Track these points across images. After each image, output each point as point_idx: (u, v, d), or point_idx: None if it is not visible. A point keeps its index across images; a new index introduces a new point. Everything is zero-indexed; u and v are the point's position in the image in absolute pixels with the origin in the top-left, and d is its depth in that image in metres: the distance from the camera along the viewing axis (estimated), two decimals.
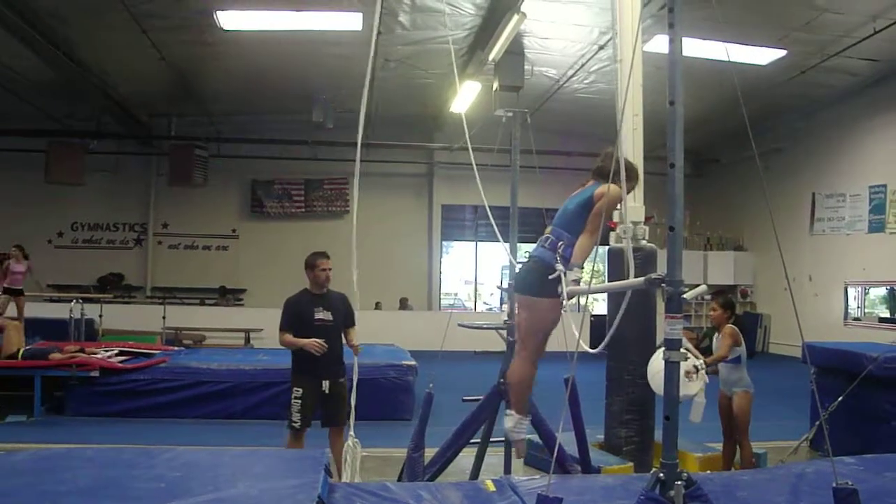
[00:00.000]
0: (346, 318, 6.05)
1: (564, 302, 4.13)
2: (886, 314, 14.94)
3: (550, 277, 4.19)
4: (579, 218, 4.31)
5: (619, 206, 4.93)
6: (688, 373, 5.41)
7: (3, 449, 6.27)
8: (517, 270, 4.90)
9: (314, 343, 5.72)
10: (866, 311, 15.38)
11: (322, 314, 5.90)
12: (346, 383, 5.83)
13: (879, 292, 15.33)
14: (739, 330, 6.41)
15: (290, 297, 6.05)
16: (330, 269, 6.02)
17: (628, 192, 4.51)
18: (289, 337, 5.89)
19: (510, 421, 4.65)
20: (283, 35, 12.25)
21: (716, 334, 6.56)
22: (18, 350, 9.10)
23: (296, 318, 5.91)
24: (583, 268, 4.23)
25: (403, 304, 18.66)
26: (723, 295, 7.03)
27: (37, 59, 12.39)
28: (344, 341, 6.05)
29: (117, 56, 13.42)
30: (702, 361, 5.72)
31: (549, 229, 4.50)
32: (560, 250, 4.26)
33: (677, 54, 2.77)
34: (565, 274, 4.14)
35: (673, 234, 2.75)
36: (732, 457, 6.47)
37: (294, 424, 5.76)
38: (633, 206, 6.60)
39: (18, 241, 13.06)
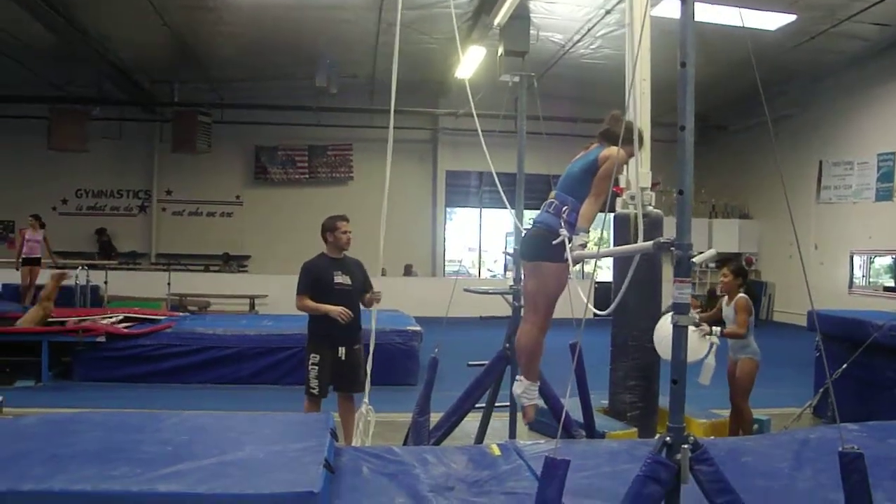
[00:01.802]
0: (363, 284, 5.99)
1: (570, 267, 4.11)
2: (891, 283, 14.91)
3: (554, 243, 4.16)
4: (583, 182, 4.27)
5: (623, 170, 4.88)
6: (700, 329, 5.43)
7: (12, 413, 6.35)
8: (522, 236, 4.88)
9: (342, 311, 5.64)
10: (871, 280, 15.35)
11: (341, 278, 5.83)
12: (361, 350, 5.81)
13: (885, 261, 15.28)
14: (750, 297, 6.36)
15: (308, 261, 5.95)
16: (350, 232, 5.95)
17: (634, 157, 4.49)
18: (309, 302, 5.77)
19: (519, 387, 4.65)
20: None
21: (724, 301, 6.49)
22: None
23: (315, 282, 5.83)
24: (588, 232, 4.21)
25: (408, 271, 18.68)
26: (734, 261, 6.96)
27: (37, 25, 12.27)
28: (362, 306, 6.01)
29: (119, 21, 13.28)
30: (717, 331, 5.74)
31: (553, 194, 4.46)
32: (564, 215, 4.22)
33: (689, 15, 2.72)
34: (570, 239, 4.11)
35: (682, 197, 2.72)
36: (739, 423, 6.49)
37: (312, 391, 5.74)
38: (640, 171, 6.55)
39: (22, 208, 13.15)
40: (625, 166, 5.83)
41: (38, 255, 12.80)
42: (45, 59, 14.98)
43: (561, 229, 4.17)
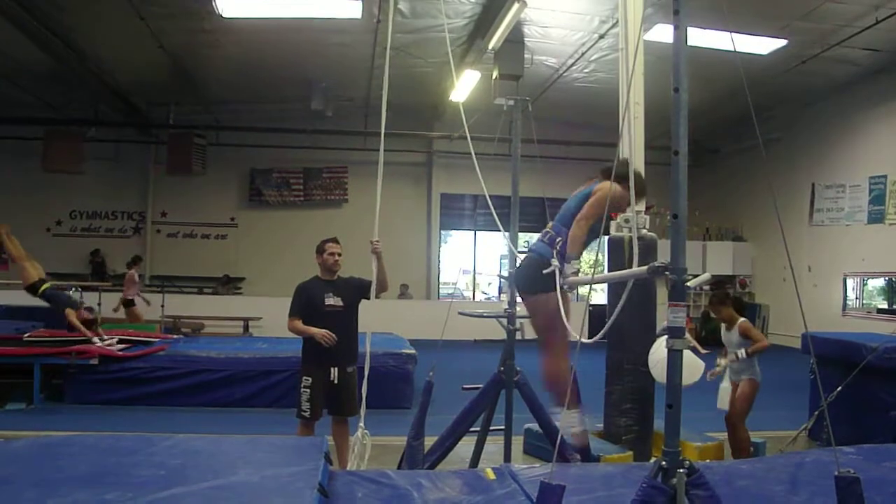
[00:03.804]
0: (358, 301, 5.93)
1: (566, 290, 4.11)
2: (885, 305, 14.96)
3: (545, 272, 4.18)
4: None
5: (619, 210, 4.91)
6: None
7: (2, 436, 6.28)
8: (517, 265, 4.89)
9: (325, 334, 5.65)
10: (864, 302, 15.40)
11: (332, 300, 5.84)
12: (355, 373, 5.79)
13: (878, 283, 15.34)
14: (739, 311, 6.47)
15: (301, 283, 5.98)
16: (339, 254, 5.96)
17: (635, 203, 4.48)
18: (298, 324, 5.79)
19: (562, 419, 4.59)
20: (283, 23, 12.20)
21: (723, 328, 6.54)
22: (40, 280, 9.17)
23: (306, 303, 5.83)
24: (579, 257, 4.22)
25: (403, 292, 18.66)
26: (715, 293, 7.02)
27: (34, 47, 12.34)
28: (357, 327, 5.99)
29: (115, 44, 13.35)
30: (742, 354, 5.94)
31: (550, 224, 4.49)
32: (558, 246, 4.25)
33: (682, 41, 2.75)
34: (561, 270, 4.13)
35: (676, 221, 2.73)
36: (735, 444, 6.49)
37: (304, 413, 5.72)
38: (634, 195, 6.59)
39: (17, 229, 13.06)
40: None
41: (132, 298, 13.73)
42: (42, 81, 15.03)
43: (553, 259, 4.18)
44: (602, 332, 3.57)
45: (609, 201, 3.97)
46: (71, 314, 9.10)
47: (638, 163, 6.71)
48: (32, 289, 9.15)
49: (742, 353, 6.11)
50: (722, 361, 6.35)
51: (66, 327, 9.28)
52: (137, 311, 13.65)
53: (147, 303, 13.95)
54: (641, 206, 6.60)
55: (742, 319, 6.34)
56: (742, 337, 6.27)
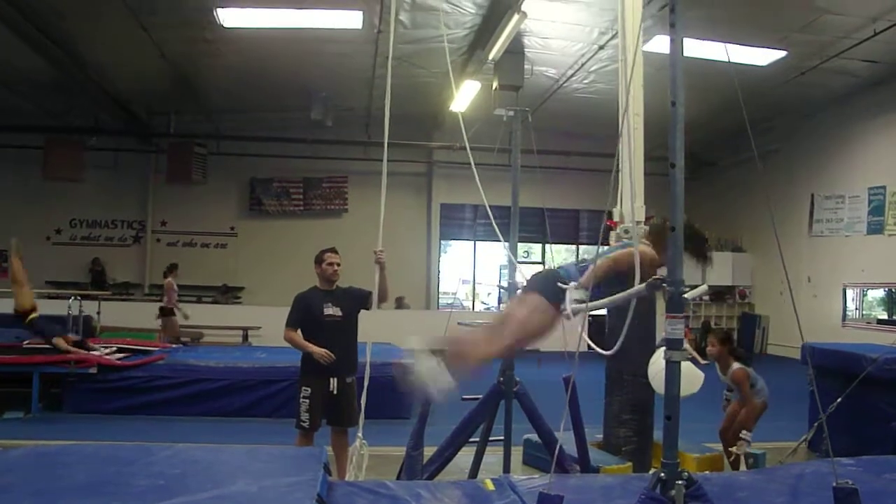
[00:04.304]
0: (362, 302, 5.93)
1: (567, 309, 3.97)
2: (884, 316, 14.95)
3: (560, 285, 4.05)
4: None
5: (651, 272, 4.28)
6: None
7: (0, 445, 6.27)
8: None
9: (324, 354, 5.65)
10: (864, 312, 15.39)
11: (331, 310, 5.84)
12: (354, 384, 5.79)
13: (877, 294, 15.34)
14: (739, 359, 6.47)
15: (300, 293, 5.99)
16: (337, 264, 5.96)
17: (697, 264, 4.05)
18: (297, 338, 5.79)
19: (434, 363, 3.82)
20: (284, 33, 12.23)
21: (718, 368, 6.57)
22: (33, 310, 9.11)
23: (305, 313, 5.84)
24: (588, 290, 4.10)
25: (399, 303, 18.63)
26: (720, 330, 7.06)
27: (35, 56, 12.36)
28: (356, 337, 5.99)
29: (116, 53, 13.38)
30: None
31: (584, 257, 4.41)
32: (583, 276, 4.12)
33: (678, 54, 2.77)
34: (572, 290, 4.03)
35: (674, 234, 2.75)
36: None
37: (303, 424, 5.72)
38: (634, 205, 6.60)
39: (16, 237, 13.10)
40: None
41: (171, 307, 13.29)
42: (42, 89, 15.05)
43: (573, 282, 4.05)
44: (614, 349, 3.53)
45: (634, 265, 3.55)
46: (59, 342, 9.00)
47: (637, 174, 6.72)
48: (23, 315, 9.10)
49: (747, 435, 6.12)
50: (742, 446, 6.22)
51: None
52: (175, 323, 13.37)
53: (185, 316, 13.52)
54: (639, 201, 6.52)
55: (737, 367, 6.35)
56: (733, 383, 6.34)
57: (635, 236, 4.23)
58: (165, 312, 13.31)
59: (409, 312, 18.07)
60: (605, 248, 4.39)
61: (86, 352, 9.16)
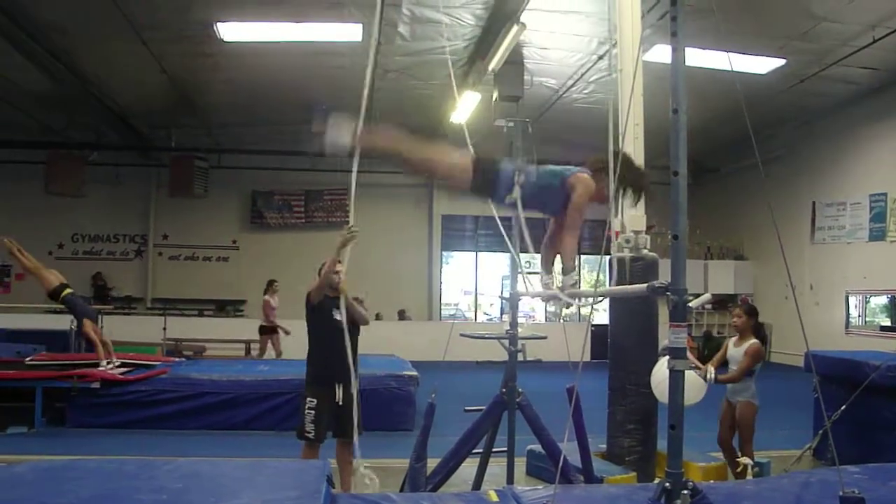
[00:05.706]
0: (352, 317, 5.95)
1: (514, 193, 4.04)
2: (887, 323, 14.92)
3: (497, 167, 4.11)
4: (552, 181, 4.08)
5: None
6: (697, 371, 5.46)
7: (4, 461, 6.25)
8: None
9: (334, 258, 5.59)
10: (867, 319, 15.36)
11: (339, 315, 5.85)
12: (358, 393, 5.78)
13: (880, 301, 15.31)
14: (760, 339, 6.36)
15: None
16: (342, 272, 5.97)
17: (636, 202, 4.31)
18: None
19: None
20: (284, 46, 12.28)
21: (731, 343, 6.49)
22: (61, 285, 9.24)
23: (318, 311, 5.88)
24: (575, 268, 4.14)
25: (402, 316, 18.63)
26: (751, 304, 6.98)
27: (37, 71, 12.43)
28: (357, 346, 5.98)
29: (117, 68, 13.44)
30: (711, 372, 5.77)
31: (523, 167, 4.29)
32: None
33: (680, 62, 2.78)
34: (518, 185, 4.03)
35: (676, 242, 2.74)
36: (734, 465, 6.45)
37: (308, 434, 5.69)
38: (635, 214, 6.60)
39: (6, 237, 13.05)
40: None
41: (274, 324, 12.98)
42: (44, 105, 15.11)
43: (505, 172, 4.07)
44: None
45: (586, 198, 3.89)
46: (88, 325, 9.08)
47: None
48: (55, 294, 9.16)
49: (711, 377, 5.79)
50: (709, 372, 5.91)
51: (83, 337, 9.24)
52: (278, 342, 13.09)
53: (286, 332, 12.72)
54: (641, 210, 6.51)
55: (753, 341, 6.27)
56: (745, 355, 6.24)
57: (634, 245, 4.24)
58: (266, 331, 13.16)
59: (412, 324, 18.07)
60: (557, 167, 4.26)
61: (105, 354, 9.24)
